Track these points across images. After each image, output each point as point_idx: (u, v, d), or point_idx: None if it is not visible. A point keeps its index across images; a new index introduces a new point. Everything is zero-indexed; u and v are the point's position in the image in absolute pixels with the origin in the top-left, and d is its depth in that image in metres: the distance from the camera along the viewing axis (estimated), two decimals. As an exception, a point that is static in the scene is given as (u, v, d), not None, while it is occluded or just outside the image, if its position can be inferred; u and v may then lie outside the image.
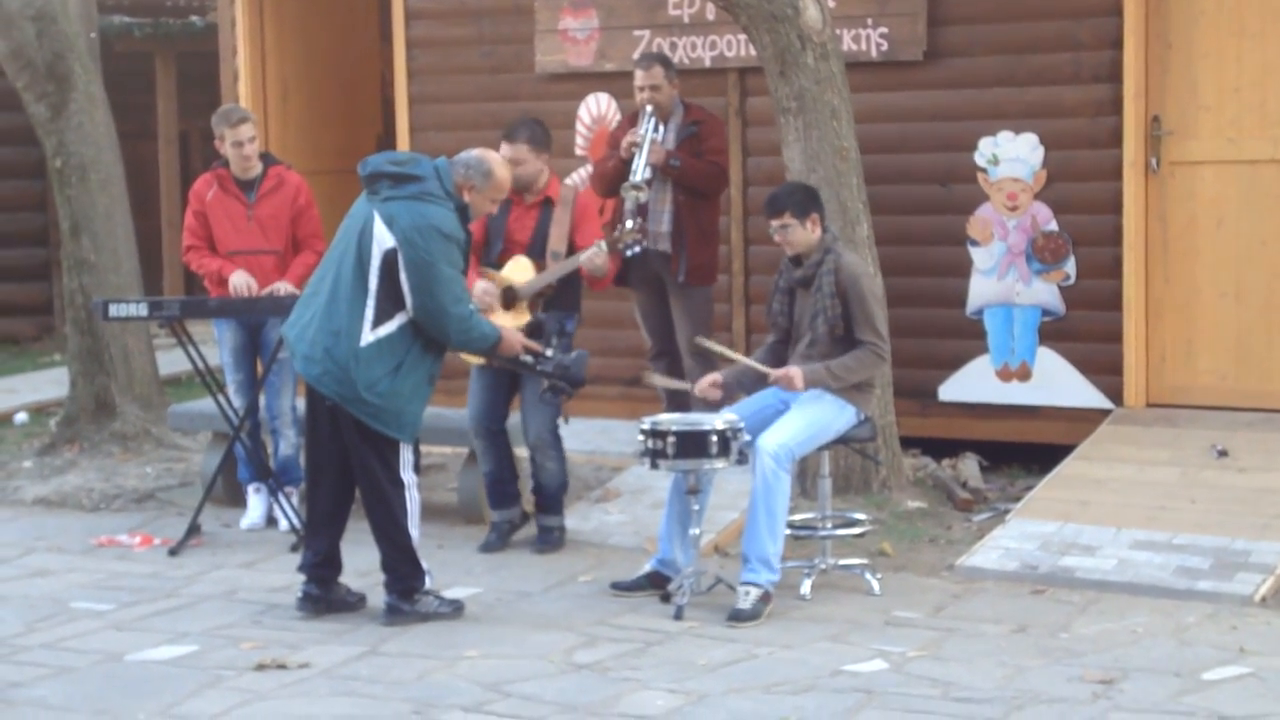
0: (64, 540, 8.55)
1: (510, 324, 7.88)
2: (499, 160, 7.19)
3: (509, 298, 7.96)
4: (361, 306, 6.85)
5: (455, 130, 10.54)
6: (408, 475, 7.00)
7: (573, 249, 8.01)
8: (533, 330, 7.52)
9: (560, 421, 8.04)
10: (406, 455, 7.01)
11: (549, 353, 7.34)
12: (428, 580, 7.06)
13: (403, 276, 6.81)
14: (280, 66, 11.53)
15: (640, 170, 8.68)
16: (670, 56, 9.38)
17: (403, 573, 7.01)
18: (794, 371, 7.20)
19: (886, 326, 7.46)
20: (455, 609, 7.06)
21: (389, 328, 6.86)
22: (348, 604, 7.18)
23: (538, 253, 8.00)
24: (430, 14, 10.69)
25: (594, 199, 8.28)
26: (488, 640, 6.73)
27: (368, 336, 6.84)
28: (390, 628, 6.92)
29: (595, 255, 7.85)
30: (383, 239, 6.83)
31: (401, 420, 6.92)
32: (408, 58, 10.76)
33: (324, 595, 7.15)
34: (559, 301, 8.00)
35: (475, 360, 7.95)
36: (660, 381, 8.18)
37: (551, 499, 8.17)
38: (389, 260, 6.82)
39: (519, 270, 7.99)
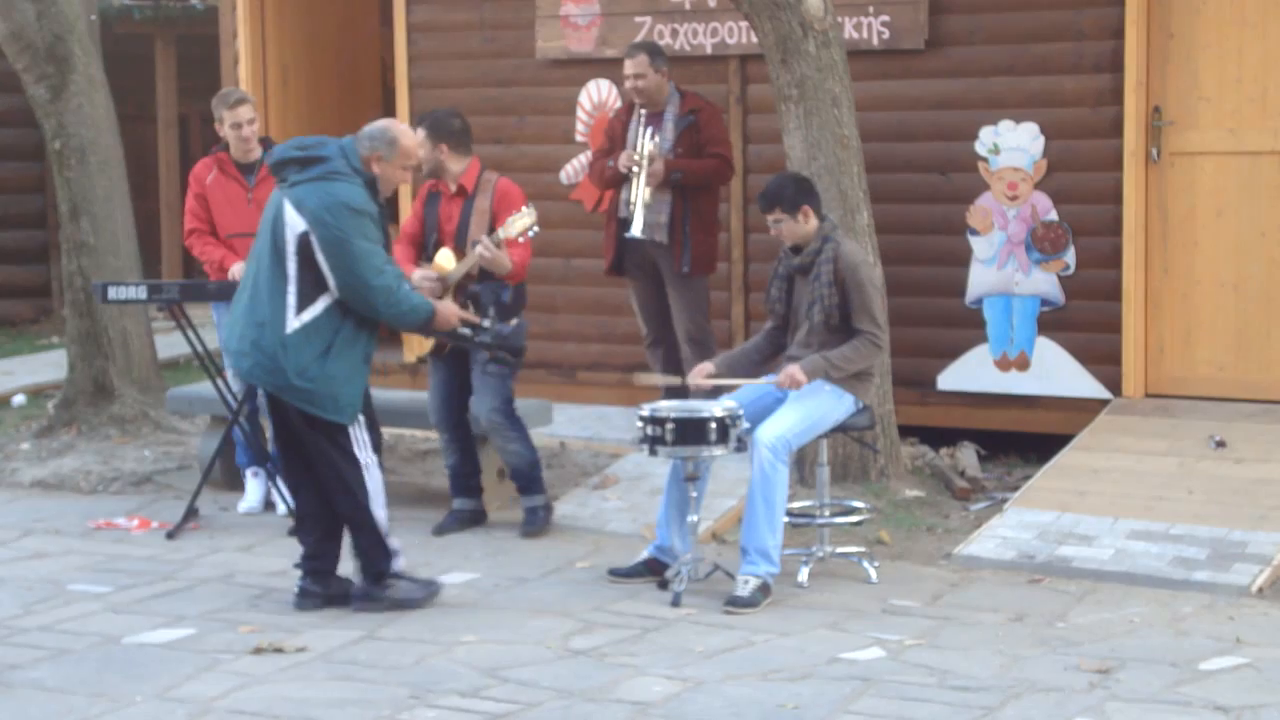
0: (61, 523, 8.55)
1: None
2: (404, 129, 7.12)
3: (441, 288, 7.96)
4: (283, 294, 6.78)
5: (455, 115, 10.54)
6: (364, 455, 6.92)
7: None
8: (469, 303, 7.52)
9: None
10: (359, 435, 6.93)
11: (486, 323, 7.33)
12: (397, 561, 7.02)
13: (320, 258, 6.75)
14: (280, 50, 11.52)
15: (638, 228, 8.68)
16: (661, 45, 9.37)
17: (371, 555, 6.96)
18: (793, 370, 7.19)
19: (885, 315, 7.45)
20: (429, 591, 7.02)
21: (314, 311, 6.79)
22: (350, 599, 7.13)
23: (461, 242, 8.00)
24: (431, -1, 10.68)
25: (515, 186, 8.21)
26: (485, 625, 6.74)
27: (293, 323, 6.77)
28: (371, 614, 6.88)
29: (485, 249, 7.77)
30: (294, 223, 6.76)
31: (339, 403, 6.84)
32: (408, 42, 10.75)
33: (321, 590, 7.09)
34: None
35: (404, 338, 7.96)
36: (651, 380, 8.15)
37: (525, 478, 8.16)
38: (304, 244, 6.75)
39: (444, 260, 8.00)
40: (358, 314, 6.86)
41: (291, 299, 6.79)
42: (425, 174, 8.11)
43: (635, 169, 8.74)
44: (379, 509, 6.96)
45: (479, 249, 7.79)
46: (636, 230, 8.74)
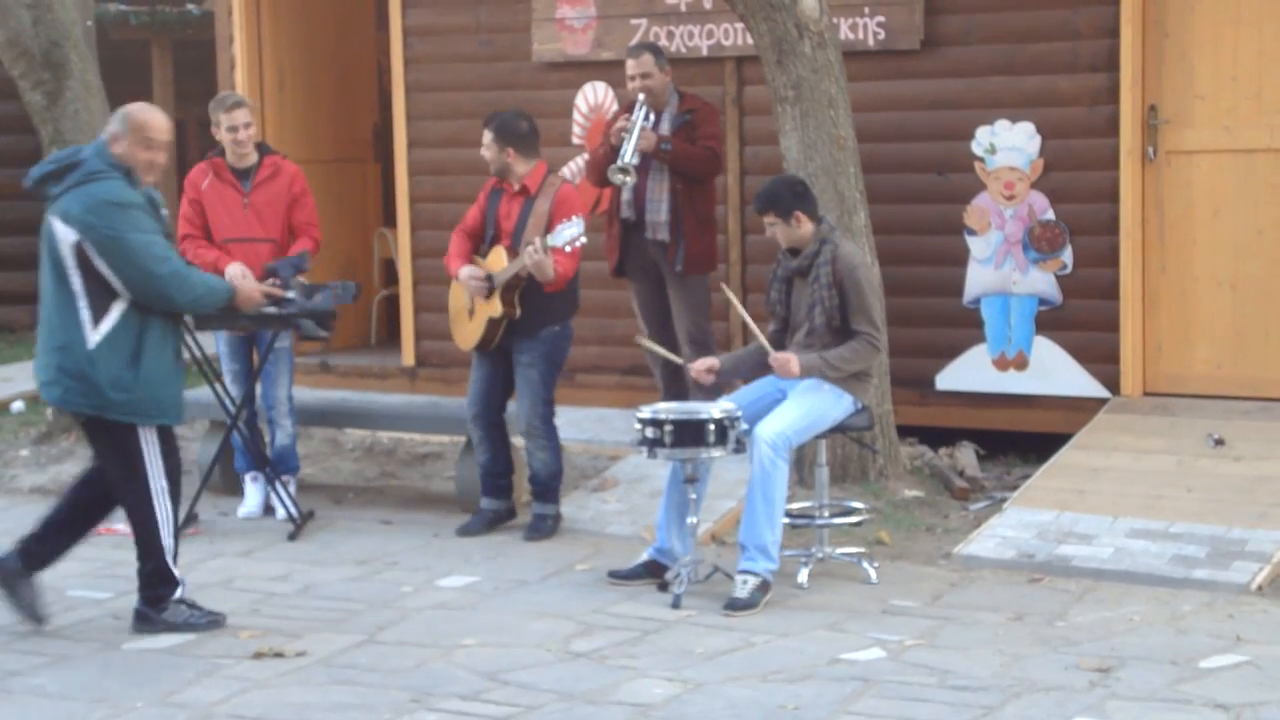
0: (61, 529, 8.53)
1: (486, 314, 7.96)
2: (141, 106, 6.88)
3: (489, 287, 8.01)
4: (74, 311, 6.64)
5: (452, 119, 10.55)
6: (155, 480, 6.71)
7: None
8: (267, 281, 7.59)
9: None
10: (153, 457, 6.71)
11: (291, 295, 7.30)
12: (182, 590, 6.82)
13: (100, 263, 6.60)
14: (277, 55, 11.51)
15: (628, 154, 8.69)
16: (661, 45, 9.38)
17: (153, 580, 6.78)
18: (790, 357, 7.20)
19: (883, 316, 7.46)
20: (212, 620, 6.82)
21: (111, 320, 6.65)
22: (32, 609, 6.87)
23: (516, 242, 8.02)
24: (427, 2, 10.68)
25: (577, 192, 8.27)
26: (485, 629, 6.74)
27: (93, 337, 6.63)
28: (389, 617, 6.91)
29: (533, 253, 7.77)
30: (66, 236, 6.61)
31: (162, 405, 6.72)
32: (404, 46, 10.76)
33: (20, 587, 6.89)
34: (553, 299, 8.01)
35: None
36: (653, 346, 8.11)
37: (544, 487, 8.18)
38: (80, 254, 6.60)
39: (496, 260, 8.05)
40: (159, 311, 6.70)
41: (85, 314, 6.63)
42: (493, 172, 8.19)
43: (626, 133, 8.73)
44: (168, 537, 6.77)
45: (528, 251, 7.81)
46: (626, 158, 8.67)
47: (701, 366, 7.47)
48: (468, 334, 8.18)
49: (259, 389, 8.76)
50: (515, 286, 7.96)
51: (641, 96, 8.87)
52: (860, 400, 7.36)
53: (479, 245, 8.20)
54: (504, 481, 8.31)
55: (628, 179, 8.74)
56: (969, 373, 9.35)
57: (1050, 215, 9.12)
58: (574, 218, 7.85)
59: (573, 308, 8.18)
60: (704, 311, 9.03)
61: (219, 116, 8.67)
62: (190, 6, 15.53)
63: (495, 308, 7.97)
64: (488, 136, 8.13)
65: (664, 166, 8.82)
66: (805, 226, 7.37)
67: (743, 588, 6.94)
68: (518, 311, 7.98)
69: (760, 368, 7.51)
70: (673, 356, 8.02)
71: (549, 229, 7.92)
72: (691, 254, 8.87)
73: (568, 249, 7.81)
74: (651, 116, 8.88)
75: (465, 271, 8.08)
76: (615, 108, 9.76)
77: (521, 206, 8.09)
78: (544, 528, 8.15)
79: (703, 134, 8.91)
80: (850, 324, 7.29)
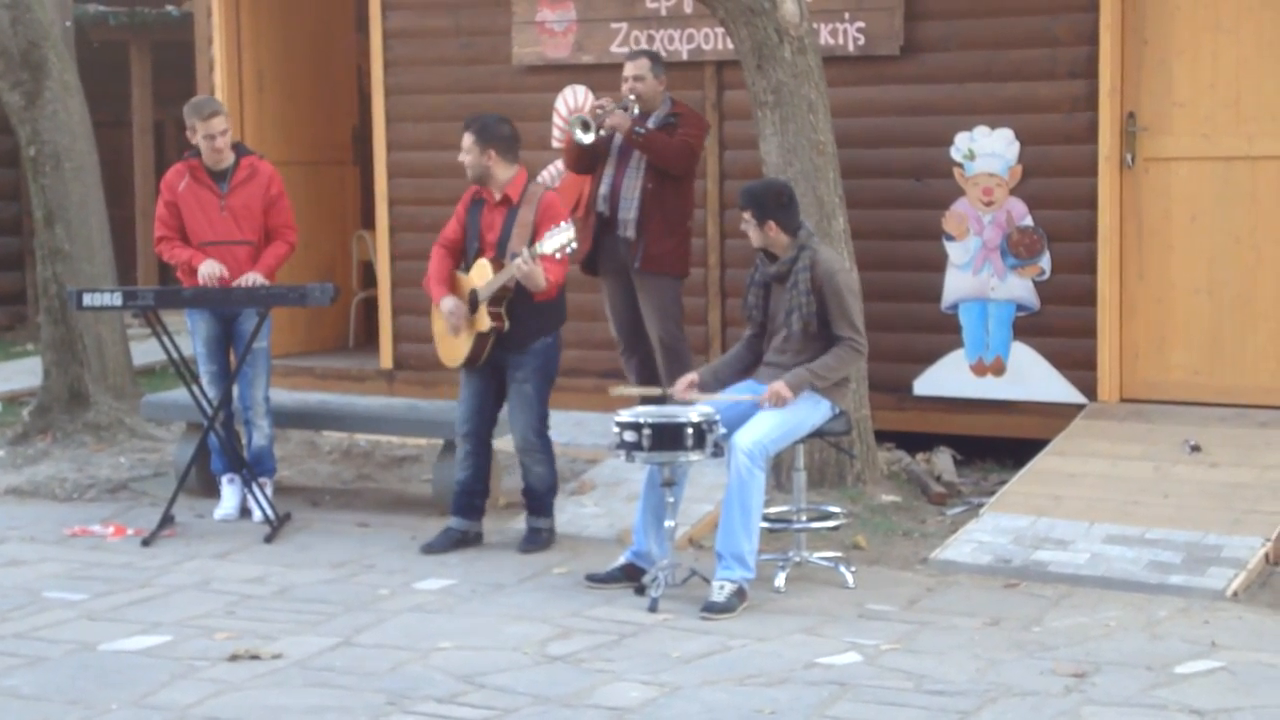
0: (37, 530, 8.52)
1: (474, 328, 7.81)
2: None
3: (473, 302, 7.84)
4: None
5: (431, 121, 10.54)
6: None
7: None
8: None
9: None
10: None
11: None
12: None
13: None
14: (256, 56, 11.50)
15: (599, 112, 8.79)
16: (659, 53, 9.37)
17: None
18: (779, 388, 7.17)
19: (863, 320, 7.46)
20: None
21: None
22: None
23: (501, 253, 7.83)
24: (407, 5, 10.67)
25: (559, 200, 8.11)
26: (462, 632, 6.73)
27: None
28: (366, 620, 6.90)
29: (522, 264, 7.58)
30: None
31: None
32: (384, 49, 10.75)
33: None
34: (542, 310, 7.86)
35: (452, 362, 7.93)
36: (630, 391, 8.09)
37: (540, 501, 8.04)
38: None
39: (480, 273, 7.84)
40: None
41: None
42: (470, 179, 7.97)
43: (601, 109, 8.73)
44: None
45: (517, 262, 7.63)
46: (589, 138, 8.74)
47: (681, 385, 7.42)
48: (455, 351, 7.97)
49: (236, 390, 8.74)
50: (502, 298, 7.76)
51: (631, 97, 8.87)
52: (838, 405, 7.36)
53: (460, 260, 8.02)
54: (479, 502, 8.09)
55: (588, 135, 8.71)
56: (947, 378, 9.37)
57: (1028, 221, 9.14)
58: (562, 223, 7.65)
59: (561, 318, 7.99)
60: (674, 316, 8.98)
61: (195, 123, 8.62)
62: (169, 8, 15.52)
63: (483, 321, 7.78)
64: (469, 139, 7.90)
65: (641, 164, 8.81)
66: (778, 236, 7.37)
67: (719, 592, 6.94)
68: (506, 324, 7.78)
69: (740, 376, 7.51)
70: (651, 391, 7.99)
71: (535, 238, 7.74)
72: (651, 253, 8.83)
73: (558, 256, 7.64)
74: (637, 111, 8.87)
75: (446, 307, 7.86)
76: (595, 111, 9.76)
77: (505, 217, 7.87)
78: (540, 540, 8.01)
79: (682, 132, 8.90)
80: (833, 329, 7.28)
